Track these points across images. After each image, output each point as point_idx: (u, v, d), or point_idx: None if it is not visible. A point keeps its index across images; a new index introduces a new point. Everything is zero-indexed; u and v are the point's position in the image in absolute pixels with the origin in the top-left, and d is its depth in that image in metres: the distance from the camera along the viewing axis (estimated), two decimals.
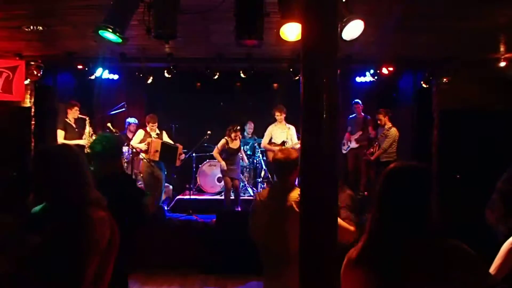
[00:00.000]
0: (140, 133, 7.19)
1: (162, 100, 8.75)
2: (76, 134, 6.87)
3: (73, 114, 6.90)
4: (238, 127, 7.27)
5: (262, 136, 8.61)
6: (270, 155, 7.18)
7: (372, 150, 7.19)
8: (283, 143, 6.99)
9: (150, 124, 7.12)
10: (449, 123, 6.82)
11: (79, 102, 7.34)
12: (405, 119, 7.90)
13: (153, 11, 3.48)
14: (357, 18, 3.47)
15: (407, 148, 7.70)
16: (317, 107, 1.85)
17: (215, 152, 7.27)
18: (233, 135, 7.19)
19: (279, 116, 7.34)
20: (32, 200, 2.19)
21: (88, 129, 6.92)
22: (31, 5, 4.41)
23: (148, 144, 6.90)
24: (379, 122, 7.22)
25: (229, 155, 7.23)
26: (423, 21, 4.91)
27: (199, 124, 8.16)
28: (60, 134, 6.70)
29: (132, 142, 7.14)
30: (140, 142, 7.07)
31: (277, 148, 7.01)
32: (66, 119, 6.84)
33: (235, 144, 7.27)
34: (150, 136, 7.07)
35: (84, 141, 6.81)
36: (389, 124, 6.93)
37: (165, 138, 7.32)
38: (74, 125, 6.92)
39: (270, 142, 7.33)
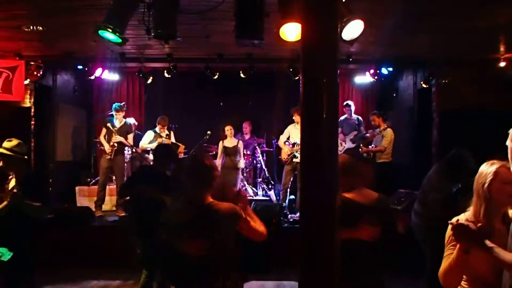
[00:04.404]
0: (150, 134, 7.19)
1: (162, 100, 8.75)
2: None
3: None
4: (228, 126, 7.27)
5: (262, 137, 8.63)
6: (283, 154, 7.15)
7: (366, 149, 7.17)
8: (294, 144, 6.95)
9: (160, 126, 7.14)
10: (449, 123, 6.81)
11: (78, 102, 7.26)
12: (405, 119, 7.89)
13: (153, 11, 3.48)
14: (357, 18, 3.48)
15: (407, 148, 7.69)
16: (317, 107, 1.85)
17: (218, 158, 7.28)
18: (226, 133, 7.19)
19: (297, 117, 6.94)
20: None
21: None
22: (31, 5, 4.41)
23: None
24: (373, 123, 7.22)
25: (226, 154, 7.20)
26: (423, 21, 4.91)
27: (199, 124, 8.15)
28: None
29: (141, 143, 7.16)
30: (150, 143, 7.10)
31: (288, 148, 7.01)
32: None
33: (230, 142, 7.20)
34: (161, 136, 7.09)
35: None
36: (384, 125, 6.93)
37: (173, 139, 7.42)
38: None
39: (285, 142, 7.22)
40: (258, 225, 2.50)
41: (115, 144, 6.78)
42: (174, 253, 2.43)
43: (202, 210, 2.42)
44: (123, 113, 7.01)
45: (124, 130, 6.92)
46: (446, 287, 2.09)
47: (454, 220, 2.08)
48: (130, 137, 7.01)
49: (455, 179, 3.97)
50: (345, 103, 8.02)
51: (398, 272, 4.69)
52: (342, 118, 7.98)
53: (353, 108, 7.95)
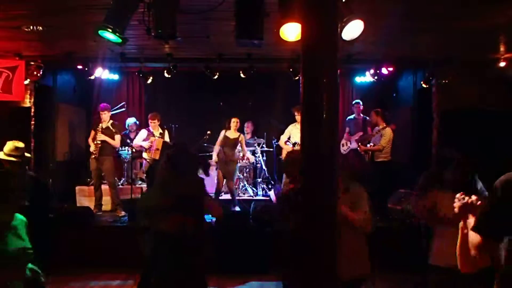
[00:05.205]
0: (143, 133, 7.22)
1: (162, 100, 8.75)
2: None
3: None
4: (235, 118, 7.22)
5: (262, 137, 8.63)
6: (284, 153, 7.14)
7: (364, 148, 7.17)
8: (295, 144, 6.95)
9: (150, 121, 7.15)
10: (449, 123, 6.81)
11: (78, 102, 7.18)
12: (405, 119, 7.89)
13: (153, 11, 3.48)
14: (357, 18, 3.47)
15: (407, 148, 7.69)
16: (317, 107, 1.85)
17: (216, 144, 7.23)
18: (231, 124, 7.13)
19: (299, 116, 6.98)
20: None
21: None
22: (31, 5, 4.41)
23: (151, 142, 6.94)
24: (370, 119, 7.22)
25: (226, 145, 7.16)
26: (423, 21, 4.91)
27: (199, 124, 8.16)
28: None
29: (135, 142, 7.18)
30: (143, 141, 7.11)
31: (289, 147, 7.00)
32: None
33: (233, 134, 7.17)
34: (153, 135, 7.10)
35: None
36: (383, 124, 6.92)
37: (167, 138, 7.38)
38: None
39: (286, 141, 7.23)
40: (217, 205, 3.12)
41: (99, 142, 6.79)
42: (160, 235, 2.72)
43: (183, 192, 2.77)
44: (109, 113, 7.00)
45: (111, 131, 6.90)
46: (460, 268, 2.09)
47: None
48: (117, 137, 6.96)
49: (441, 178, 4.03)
50: (354, 101, 8.01)
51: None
52: (350, 117, 7.97)
53: (362, 107, 7.93)
